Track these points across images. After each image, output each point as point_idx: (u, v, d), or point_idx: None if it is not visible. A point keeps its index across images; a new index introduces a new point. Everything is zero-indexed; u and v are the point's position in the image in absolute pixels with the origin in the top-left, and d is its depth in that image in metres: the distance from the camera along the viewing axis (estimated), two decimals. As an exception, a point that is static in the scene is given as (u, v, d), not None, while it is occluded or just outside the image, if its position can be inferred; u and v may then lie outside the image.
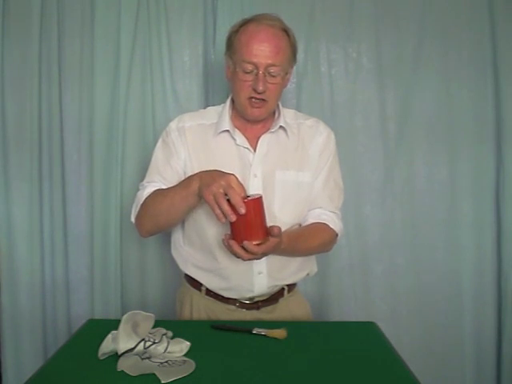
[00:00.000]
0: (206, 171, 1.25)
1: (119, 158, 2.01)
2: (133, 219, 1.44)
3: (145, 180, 1.47)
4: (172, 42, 2.02)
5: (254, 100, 1.35)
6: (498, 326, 2.09)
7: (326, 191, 1.47)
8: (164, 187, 1.39)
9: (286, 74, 1.37)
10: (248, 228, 1.15)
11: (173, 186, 1.35)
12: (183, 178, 1.37)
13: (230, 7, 1.94)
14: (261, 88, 1.31)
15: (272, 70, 1.32)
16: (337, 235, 1.48)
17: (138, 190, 1.47)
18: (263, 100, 1.35)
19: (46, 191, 2.05)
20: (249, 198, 1.14)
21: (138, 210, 1.42)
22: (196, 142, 1.43)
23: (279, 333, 1.25)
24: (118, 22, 1.98)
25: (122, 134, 2.01)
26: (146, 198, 1.40)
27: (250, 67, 1.31)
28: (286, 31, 1.36)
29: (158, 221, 1.38)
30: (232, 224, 1.16)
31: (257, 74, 1.31)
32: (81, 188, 2.07)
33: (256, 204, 1.14)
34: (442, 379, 2.09)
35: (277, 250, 1.27)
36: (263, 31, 1.32)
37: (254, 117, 1.39)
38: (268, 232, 1.18)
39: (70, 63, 2.02)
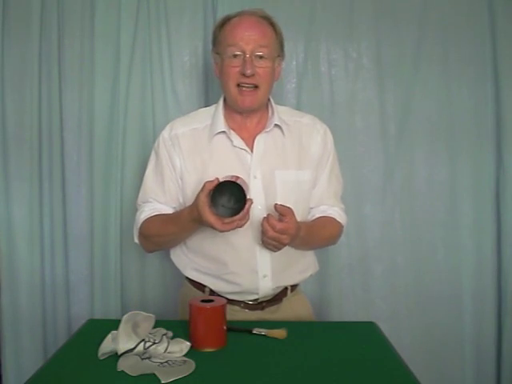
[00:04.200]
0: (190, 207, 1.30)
1: (119, 158, 2.01)
2: (136, 240, 1.50)
3: (139, 199, 1.50)
4: (172, 42, 2.02)
5: (244, 88, 1.34)
6: (498, 326, 2.08)
7: (330, 189, 1.50)
8: (159, 207, 1.44)
9: (275, 59, 1.37)
10: None
11: (170, 218, 1.40)
12: (177, 194, 1.44)
13: (230, 8, 1.94)
14: (249, 71, 1.30)
15: (260, 51, 1.32)
16: (342, 227, 1.53)
17: (136, 209, 1.51)
18: (254, 86, 1.34)
19: (45, 191, 2.05)
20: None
21: (137, 233, 1.47)
22: (191, 148, 1.42)
23: (279, 333, 1.25)
24: (118, 22, 1.98)
25: (122, 134, 2.01)
26: (144, 224, 1.44)
27: (236, 50, 1.32)
28: (269, 20, 1.37)
29: (162, 247, 1.54)
30: None
31: (244, 59, 1.32)
32: (81, 188, 2.07)
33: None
34: (442, 379, 2.08)
35: (297, 237, 1.30)
36: (246, 20, 1.34)
37: (244, 106, 1.37)
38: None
39: (70, 63, 2.02)
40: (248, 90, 1.34)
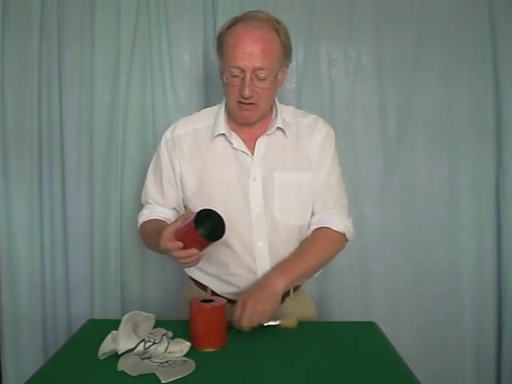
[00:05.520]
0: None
1: (119, 158, 2.01)
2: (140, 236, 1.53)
3: (142, 198, 1.52)
4: (172, 43, 2.02)
5: (243, 104, 1.32)
6: (498, 326, 2.09)
7: (329, 190, 1.42)
8: (158, 209, 1.46)
9: (276, 76, 1.34)
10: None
11: (155, 229, 1.37)
12: (176, 196, 1.45)
13: (230, 7, 1.95)
14: (247, 93, 1.28)
15: (260, 73, 1.29)
16: (344, 235, 1.42)
17: (138, 208, 1.55)
18: (253, 103, 1.32)
19: (45, 191, 2.05)
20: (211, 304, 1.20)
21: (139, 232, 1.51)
22: (192, 150, 1.42)
23: (290, 322, 1.28)
24: (118, 23, 1.98)
25: (122, 134, 2.01)
26: (141, 227, 1.48)
27: (236, 71, 1.29)
28: (276, 30, 1.32)
29: (154, 252, 1.48)
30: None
31: (243, 78, 1.29)
32: (81, 188, 2.08)
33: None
34: (442, 379, 2.09)
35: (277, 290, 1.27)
36: (250, 33, 1.28)
37: (244, 120, 1.37)
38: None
39: (70, 63, 2.03)
40: (247, 105, 1.33)
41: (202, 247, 1.19)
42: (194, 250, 1.18)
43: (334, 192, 1.44)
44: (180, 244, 1.18)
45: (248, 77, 1.28)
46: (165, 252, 1.27)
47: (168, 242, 1.19)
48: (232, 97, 1.33)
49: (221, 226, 1.20)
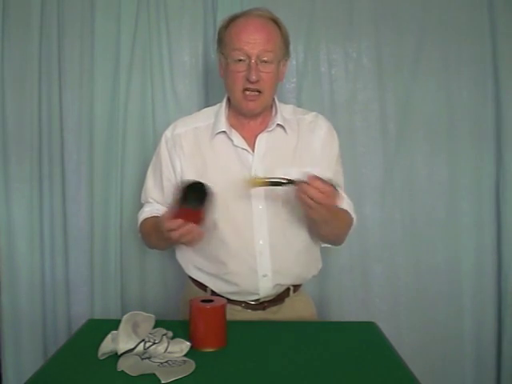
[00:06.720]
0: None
1: (119, 158, 2.01)
2: (139, 235, 1.54)
3: (142, 198, 1.54)
4: (172, 42, 2.02)
5: (248, 93, 1.34)
6: (498, 326, 2.09)
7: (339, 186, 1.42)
8: (158, 207, 1.47)
9: (279, 62, 1.37)
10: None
11: (153, 227, 1.39)
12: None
13: (230, 7, 1.94)
14: (254, 77, 1.30)
15: (265, 56, 1.32)
16: (352, 223, 1.45)
17: (138, 207, 1.56)
18: (258, 92, 1.34)
19: (45, 191, 2.05)
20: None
21: (139, 231, 1.53)
22: (192, 148, 1.42)
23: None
24: (118, 22, 1.98)
25: (122, 134, 2.01)
26: (141, 225, 1.49)
27: (241, 55, 1.32)
28: (275, 22, 1.36)
29: (155, 248, 1.56)
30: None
31: (249, 64, 1.31)
32: (81, 188, 2.08)
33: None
34: (442, 379, 2.08)
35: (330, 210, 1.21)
36: (252, 23, 1.33)
37: (249, 110, 1.38)
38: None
39: (70, 63, 2.02)
40: (252, 94, 1.34)
41: (197, 219, 1.20)
42: (192, 225, 1.19)
43: (343, 187, 1.47)
44: (179, 221, 1.18)
45: (253, 61, 1.31)
46: (167, 240, 1.28)
47: (169, 221, 1.20)
48: (237, 85, 1.35)
49: (205, 192, 1.22)
